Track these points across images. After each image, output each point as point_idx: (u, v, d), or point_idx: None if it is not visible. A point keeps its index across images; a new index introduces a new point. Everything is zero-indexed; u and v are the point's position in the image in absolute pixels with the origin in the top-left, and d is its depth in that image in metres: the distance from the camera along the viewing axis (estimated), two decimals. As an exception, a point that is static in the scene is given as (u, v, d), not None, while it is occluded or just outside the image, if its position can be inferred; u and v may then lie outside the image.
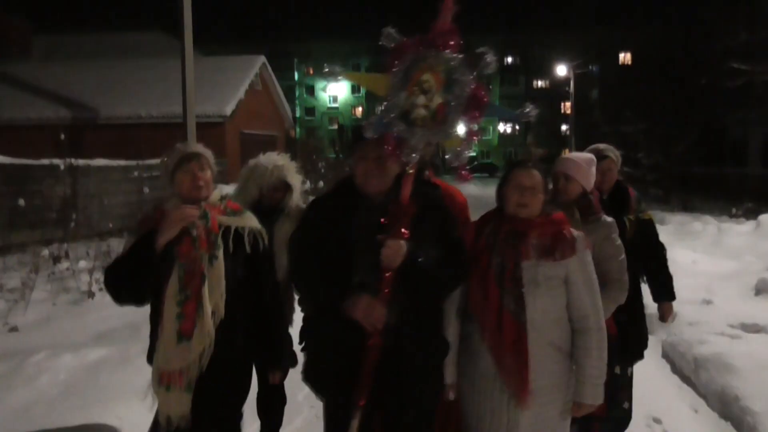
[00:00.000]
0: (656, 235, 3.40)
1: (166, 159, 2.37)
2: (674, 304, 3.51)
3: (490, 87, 55.60)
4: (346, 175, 2.40)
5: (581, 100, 32.07)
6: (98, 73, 18.13)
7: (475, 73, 2.12)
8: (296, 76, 64.43)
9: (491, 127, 60.56)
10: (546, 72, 51.93)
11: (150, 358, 2.35)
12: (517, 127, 61.67)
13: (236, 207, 2.45)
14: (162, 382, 2.22)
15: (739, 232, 9.96)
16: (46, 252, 7.51)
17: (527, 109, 2.23)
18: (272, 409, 3.29)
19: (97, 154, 11.88)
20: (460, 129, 2.18)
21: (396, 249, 2.06)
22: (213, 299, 2.24)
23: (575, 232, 2.34)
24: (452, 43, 2.13)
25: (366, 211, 2.20)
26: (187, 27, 9.22)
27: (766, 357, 4.34)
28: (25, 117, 16.72)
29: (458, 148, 2.17)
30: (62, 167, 9.12)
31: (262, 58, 19.17)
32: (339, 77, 2.24)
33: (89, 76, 17.99)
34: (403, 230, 2.10)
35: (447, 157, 2.23)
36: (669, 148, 21.01)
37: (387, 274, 2.09)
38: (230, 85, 17.19)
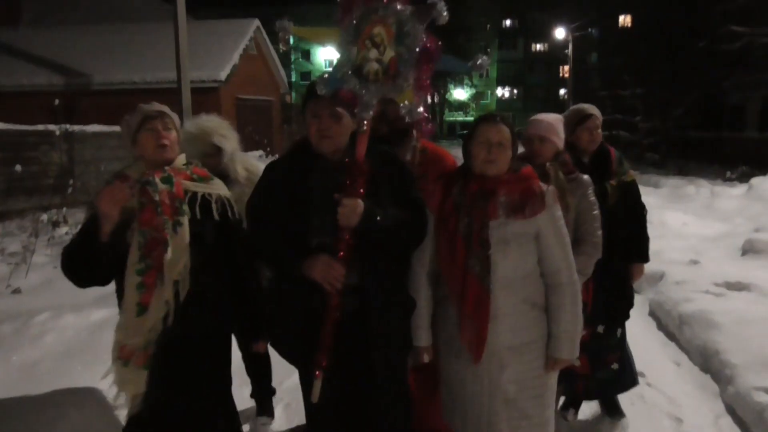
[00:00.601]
0: (638, 196, 3.37)
1: (127, 118, 2.22)
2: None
3: (488, 50, 54.95)
4: (302, 137, 2.32)
5: (580, 64, 31.81)
6: (90, 39, 17.89)
7: (425, 25, 2.07)
8: (291, 40, 63.61)
9: (489, 92, 60.08)
10: (545, 35, 51.28)
11: None
12: (515, 91, 61.19)
13: (203, 173, 2.33)
14: (121, 355, 2.12)
15: (731, 195, 10.08)
16: (44, 217, 7.58)
17: (479, 60, 2.16)
18: (259, 373, 3.36)
19: (91, 120, 11.84)
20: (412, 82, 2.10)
21: (353, 207, 2.03)
22: (176, 269, 2.12)
23: (544, 186, 2.28)
24: None
25: (322, 171, 2.16)
26: (179, -10, 9.14)
27: (748, 313, 4.49)
28: (17, 83, 16.58)
29: (411, 103, 2.10)
30: (57, 133, 9.13)
31: (257, 22, 18.91)
32: (288, 33, 2.14)
33: (81, 42, 17.76)
34: (359, 189, 2.07)
35: (404, 113, 2.14)
36: (666, 113, 21.01)
37: (345, 234, 2.06)
38: (224, 49, 17.01)
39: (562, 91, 45.77)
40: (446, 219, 2.25)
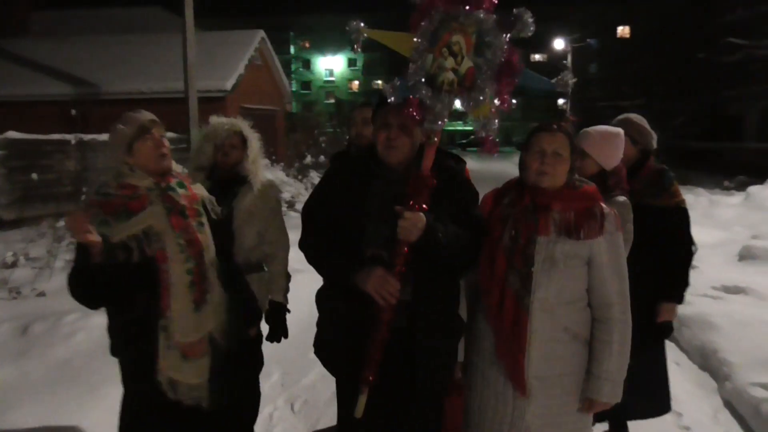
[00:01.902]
0: (680, 226, 2.96)
1: (120, 127, 2.16)
2: None
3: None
4: (369, 144, 2.25)
5: (579, 74, 32.19)
6: (98, 49, 18.14)
7: (509, 36, 1.94)
8: (292, 50, 64.04)
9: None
10: (544, 46, 51.78)
11: (114, 351, 2.22)
12: (514, 101, 61.46)
13: (188, 179, 2.35)
14: (185, 353, 2.14)
15: (729, 203, 10.30)
16: (62, 223, 7.79)
17: (566, 77, 2.06)
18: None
19: (100, 129, 12.04)
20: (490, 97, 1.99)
21: (414, 221, 1.93)
22: (213, 266, 2.22)
23: (606, 209, 2.08)
24: (486, 1, 1.96)
25: (384, 181, 2.09)
26: (188, 2, 9.40)
27: (744, 316, 4.70)
28: (27, 93, 16.80)
29: (486, 118, 1.98)
30: (73, 142, 9.35)
31: (262, 33, 19.17)
32: (361, 35, 2.03)
33: (89, 52, 18.00)
34: (422, 203, 1.99)
35: (478, 128, 2.02)
36: (666, 123, 21.28)
37: (403, 248, 1.97)
38: (230, 60, 17.26)
39: (561, 101, 46.10)
40: (491, 229, 2.12)
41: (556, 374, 2.07)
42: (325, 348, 2.26)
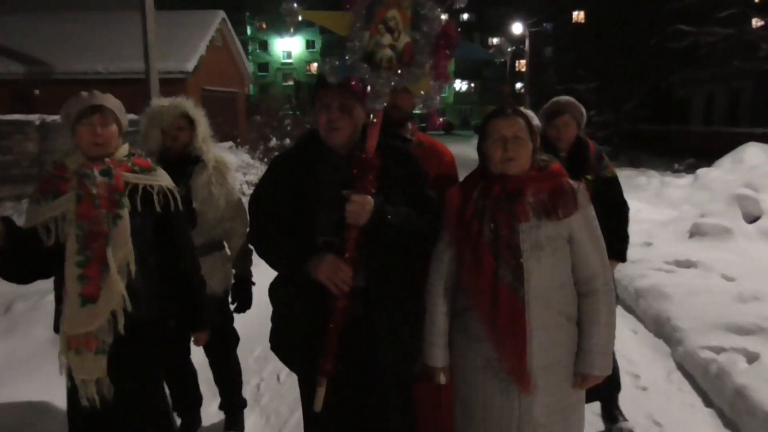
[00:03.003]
0: (619, 192, 3.26)
1: (66, 107, 2.14)
2: None
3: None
4: (311, 129, 2.19)
5: (536, 58, 32.70)
6: (50, 26, 17.56)
7: (444, 9, 1.94)
8: (249, 31, 62.84)
9: (447, 85, 60.73)
10: (501, 30, 52.29)
11: (57, 328, 2.22)
12: (472, 84, 62.12)
13: (146, 164, 2.26)
14: (71, 346, 2.09)
15: (678, 184, 10.82)
16: (23, 205, 7.68)
17: (502, 46, 2.07)
18: (228, 382, 3.25)
19: (54, 110, 11.76)
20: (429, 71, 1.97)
21: (362, 204, 1.88)
22: (119, 260, 2.09)
23: (575, 184, 2.06)
24: None
25: (330, 165, 2.03)
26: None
27: (694, 286, 5.09)
28: (-25, 72, 16.20)
29: (427, 92, 1.99)
30: (37, 123, 9.15)
31: (222, 14, 18.93)
32: (296, 16, 1.99)
33: (41, 29, 17.41)
34: (369, 185, 1.93)
35: (420, 103, 2.03)
36: (619, 107, 21.99)
37: (353, 232, 1.92)
38: (191, 40, 17.01)
39: (518, 85, 46.80)
40: (467, 226, 2.02)
41: (557, 361, 2.03)
42: (282, 344, 2.18)
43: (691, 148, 18.70)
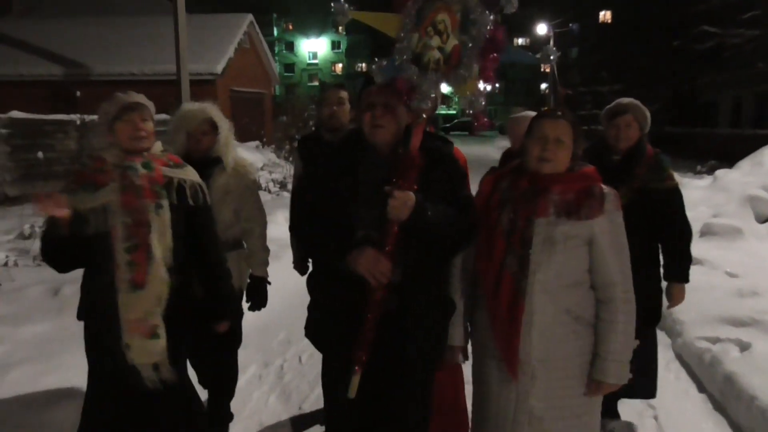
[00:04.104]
0: (677, 210, 3.00)
1: (105, 106, 2.27)
2: None
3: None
4: (354, 127, 2.26)
5: (560, 59, 32.64)
6: (86, 30, 18.22)
7: (494, 13, 2.00)
8: (275, 32, 63.68)
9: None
10: (527, 30, 52.10)
11: (80, 315, 2.36)
12: (497, 85, 62.00)
13: (177, 160, 2.41)
14: (131, 331, 2.20)
15: (697, 186, 10.90)
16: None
17: (549, 51, 2.15)
18: (220, 385, 3.18)
19: (92, 110, 12.29)
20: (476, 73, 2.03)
21: (404, 201, 1.93)
22: (161, 248, 2.22)
23: (605, 189, 2.08)
24: None
25: (373, 162, 2.09)
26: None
27: (696, 282, 5.21)
28: (17, 73, 16.91)
29: (473, 95, 2.04)
30: (78, 122, 9.69)
31: (250, 17, 19.45)
32: (347, 17, 2.03)
33: (77, 33, 18.07)
34: (411, 182, 1.99)
35: (465, 105, 2.08)
36: (642, 109, 21.92)
37: (393, 228, 1.98)
38: (220, 43, 17.53)
39: (543, 86, 46.65)
40: (488, 213, 2.12)
41: (559, 357, 2.06)
42: (316, 329, 2.29)
43: (716, 151, 18.61)
